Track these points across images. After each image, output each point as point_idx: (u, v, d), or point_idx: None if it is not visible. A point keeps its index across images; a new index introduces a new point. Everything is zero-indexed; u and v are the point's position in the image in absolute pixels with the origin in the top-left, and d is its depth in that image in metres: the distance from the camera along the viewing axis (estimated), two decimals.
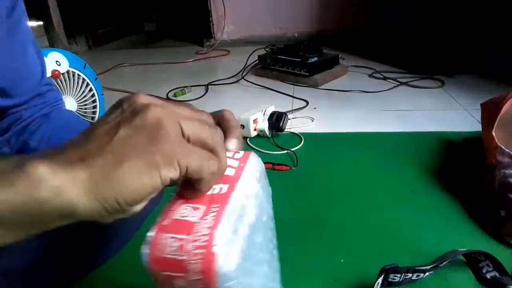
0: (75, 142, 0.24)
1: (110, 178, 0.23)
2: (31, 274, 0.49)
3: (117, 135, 0.24)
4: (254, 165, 0.32)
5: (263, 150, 1.01)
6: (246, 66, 1.77)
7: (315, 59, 1.60)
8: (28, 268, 0.49)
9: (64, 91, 1.11)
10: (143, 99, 0.25)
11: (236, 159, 0.32)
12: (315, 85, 1.54)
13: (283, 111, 1.10)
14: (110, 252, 0.61)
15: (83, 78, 1.15)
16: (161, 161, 0.23)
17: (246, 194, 0.28)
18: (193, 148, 0.25)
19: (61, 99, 0.61)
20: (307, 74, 1.57)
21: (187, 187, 0.26)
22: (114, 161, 0.23)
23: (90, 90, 1.18)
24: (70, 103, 1.13)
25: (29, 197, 0.21)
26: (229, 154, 0.31)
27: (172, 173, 0.24)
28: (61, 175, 0.22)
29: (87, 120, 1.15)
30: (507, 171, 0.65)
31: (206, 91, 1.59)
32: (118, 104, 0.26)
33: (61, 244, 0.52)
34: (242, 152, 0.32)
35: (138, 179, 0.23)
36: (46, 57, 1.02)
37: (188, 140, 0.25)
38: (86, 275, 0.59)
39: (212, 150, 0.26)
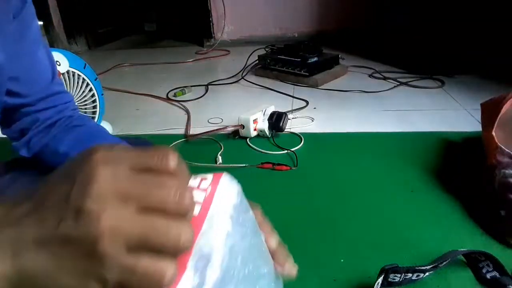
0: (8, 229, 0.22)
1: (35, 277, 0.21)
2: None
3: (50, 241, 0.21)
4: (226, 193, 0.27)
5: (263, 150, 1.01)
6: (246, 66, 1.77)
7: (315, 59, 1.60)
8: None
9: None
10: (98, 191, 0.21)
11: (203, 189, 0.26)
12: (315, 85, 1.54)
13: (283, 111, 1.10)
14: None
15: (83, 78, 1.15)
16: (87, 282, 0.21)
17: (211, 244, 0.24)
18: (134, 269, 0.21)
19: (71, 101, 0.62)
20: (307, 74, 1.57)
21: None
22: (43, 262, 0.21)
23: (90, 90, 1.18)
24: None
25: None
26: (195, 182, 0.27)
27: None
28: None
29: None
30: (507, 171, 0.65)
31: (206, 91, 1.59)
32: (70, 181, 0.21)
33: None
34: (210, 177, 0.27)
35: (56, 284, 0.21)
36: None
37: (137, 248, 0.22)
38: None
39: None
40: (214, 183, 0.27)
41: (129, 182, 0.21)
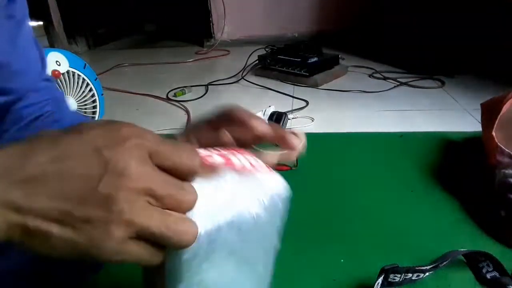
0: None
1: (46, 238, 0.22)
2: (35, 272, 0.50)
3: (73, 212, 0.22)
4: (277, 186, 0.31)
5: (263, 150, 1.01)
6: (246, 66, 1.77)
7: (315, 59, 1.60)
8: (34, 265, 0.50)
9: (64, 91, 1.11)
10: (128, 188, 0.22)
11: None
12: (315, 85, 1.54)
13: (283, 111, 1.10)
14: None
15: (83, 78, 1.15)
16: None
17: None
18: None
19: (60, 96, 0.60)
20: (307, 74, 1.57)
21: None
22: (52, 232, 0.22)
23: (90, 90, 1.18)
24: (70, 103, 1.12)
25: None
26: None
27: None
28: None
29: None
30: (507, 171, 0.65)
31: (206, 91, 1.59)
32: (101, 167, 0.22)
33: None
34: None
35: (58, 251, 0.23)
36: (46, 57, 1.02)
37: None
38: (94, 274, 0.59)
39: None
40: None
41: (156, 182, 0.23)
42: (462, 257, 0.58)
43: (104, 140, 0.23)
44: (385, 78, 1.56)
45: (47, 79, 0.59)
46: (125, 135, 0.23)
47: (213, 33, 2.53)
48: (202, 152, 0.29)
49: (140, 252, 0.23)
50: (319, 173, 0.89)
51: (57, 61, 1.07)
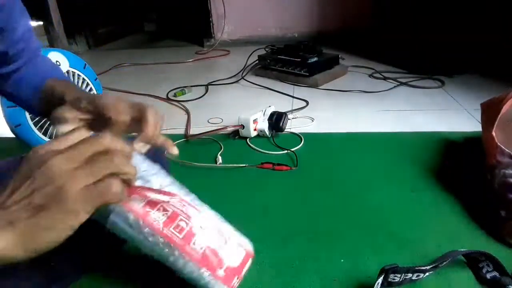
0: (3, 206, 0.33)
1: (34, 235, 0.32)
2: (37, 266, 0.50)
3: (34, 201, 0.32)
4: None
5: (263, 150, 1.01)
6: (246, 66, 1.77)
7: (315, 59, 1.60)
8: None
9: None
10: (52, 168, 0.33)
11: None
12: (315, 85, 1.54)
13: (283, 111, 1.10)
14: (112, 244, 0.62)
15: (83, 78, 1.15)
16: (68, 218, 0.33)
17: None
18: (91, 196, 0.34)
19: (35, 51, 0.66)
20: (307, 74, 1.57)
21: None
22: (35, 223, 0.32)
23: (90, 90, 1.18)
24: None
25: None
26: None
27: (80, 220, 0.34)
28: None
29: None
30: (507, 171, 0.65)
31: (206, 91, 1.59)
32: (29, 171, 0.33)
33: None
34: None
35: (52, 233, 0.33)
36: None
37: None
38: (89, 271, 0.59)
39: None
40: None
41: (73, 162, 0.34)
42: (462, 257, 0.58)
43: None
44: (385, 78, 1.56)
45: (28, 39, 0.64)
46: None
47: (213, 33, 2.54)
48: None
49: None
50: (319, 173, 0.89)
51: (57, 61, 1.07)
